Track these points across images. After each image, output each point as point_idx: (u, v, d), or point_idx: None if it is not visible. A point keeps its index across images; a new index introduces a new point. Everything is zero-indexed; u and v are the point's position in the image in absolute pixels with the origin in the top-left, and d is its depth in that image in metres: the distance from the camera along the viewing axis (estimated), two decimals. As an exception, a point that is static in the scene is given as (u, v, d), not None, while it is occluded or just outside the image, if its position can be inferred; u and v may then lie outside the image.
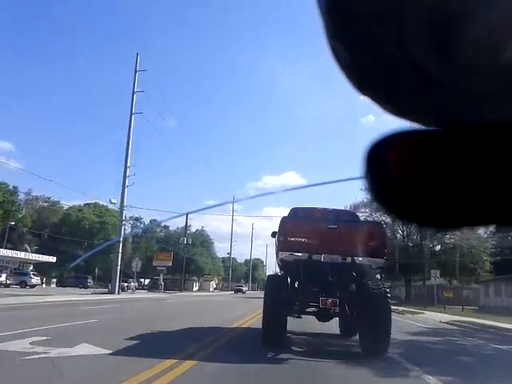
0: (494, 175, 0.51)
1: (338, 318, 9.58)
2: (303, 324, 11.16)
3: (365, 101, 0.54)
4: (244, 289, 72.11)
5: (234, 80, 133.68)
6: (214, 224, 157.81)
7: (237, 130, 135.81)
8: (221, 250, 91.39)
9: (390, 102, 0.54)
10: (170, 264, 53.03)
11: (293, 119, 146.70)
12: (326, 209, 9.86)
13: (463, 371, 7.23)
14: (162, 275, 51.91)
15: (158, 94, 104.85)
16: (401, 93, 0.53)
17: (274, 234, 9.78)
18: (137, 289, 48.62)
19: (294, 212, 9.45)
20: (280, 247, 8.31)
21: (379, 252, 8.17)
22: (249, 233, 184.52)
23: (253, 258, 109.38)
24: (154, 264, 54.13)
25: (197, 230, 73.42)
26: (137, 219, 76.10)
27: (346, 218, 9.92)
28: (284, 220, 8.43)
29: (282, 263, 8.74)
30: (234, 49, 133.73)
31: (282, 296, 8.14)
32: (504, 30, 0.45)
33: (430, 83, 0.50)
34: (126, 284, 45.64)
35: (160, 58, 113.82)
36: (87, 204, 62.59)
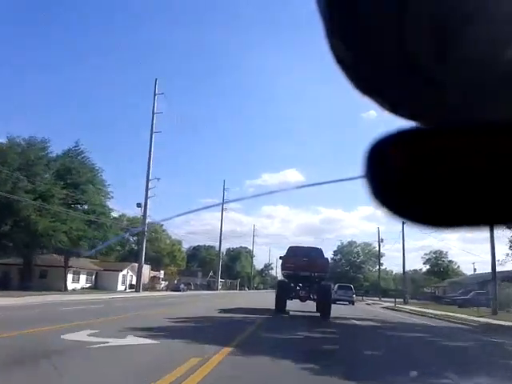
0: (494, 175, 0.51)
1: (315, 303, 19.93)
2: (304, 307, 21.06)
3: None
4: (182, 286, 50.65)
5: (235, 78, 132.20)
6: (212, 222, 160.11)
7: (236, 127, 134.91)
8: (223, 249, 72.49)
9: (390, 101, 0.54)
10: None
11: (293, 116, 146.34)
12: (306, 247, 20.99)
13: None
14: None
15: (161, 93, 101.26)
16: (401, 92, 0.53)
17: (280, 258, 20.45)
18: None
19: (290, 249, 20.32)
20: (282, 268, 19.86)
21: (325, 270, 19.43)
22: (249, 232, 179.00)
23: (245, 251, 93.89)
24: None
25: (65, 153, 35.01)
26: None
27: (314, 253, 19.70)
28: (284, 255, 19.88)
29: (284, 275, 20.21)
30: (233, 47, 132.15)
31: (284, 290, 18.83)
32: (504, 29, 0.45)
33: (431, 82, 0.50)
34: None
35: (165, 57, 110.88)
36: None
